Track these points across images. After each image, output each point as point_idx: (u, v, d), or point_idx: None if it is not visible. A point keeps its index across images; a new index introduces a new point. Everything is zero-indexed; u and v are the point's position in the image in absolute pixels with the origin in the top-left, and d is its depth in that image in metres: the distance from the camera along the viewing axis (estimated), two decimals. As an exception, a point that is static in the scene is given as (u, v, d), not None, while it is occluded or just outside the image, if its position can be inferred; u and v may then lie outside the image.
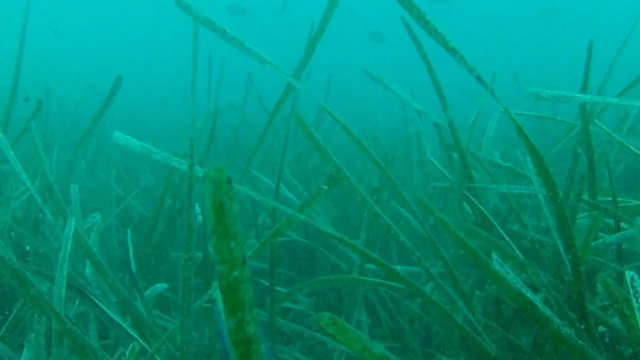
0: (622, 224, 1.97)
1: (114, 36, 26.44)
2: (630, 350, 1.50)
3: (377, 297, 2.28)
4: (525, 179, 2.50)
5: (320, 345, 2.22)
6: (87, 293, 1.66)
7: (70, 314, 1.79)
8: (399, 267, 2.30)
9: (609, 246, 1.88)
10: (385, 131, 6.45)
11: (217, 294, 1.63)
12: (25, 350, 1.56)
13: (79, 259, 2.01)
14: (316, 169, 4.21)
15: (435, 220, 1.62)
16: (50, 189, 2.06)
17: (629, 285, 1.38)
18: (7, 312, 1.80)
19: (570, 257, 1.54)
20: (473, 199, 2.11)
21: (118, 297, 1.81)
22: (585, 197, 2.04)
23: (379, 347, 1.03)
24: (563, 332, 1.40)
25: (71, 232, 1.67)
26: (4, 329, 1.74)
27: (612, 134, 2.17)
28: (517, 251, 1.79)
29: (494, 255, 1.65)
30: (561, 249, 1.61)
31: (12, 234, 2.17)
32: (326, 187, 1.67)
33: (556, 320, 1.42)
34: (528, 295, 1.46)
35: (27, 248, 2.04)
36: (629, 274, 1.41)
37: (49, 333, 1.56)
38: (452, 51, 1.52)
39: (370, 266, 2.28)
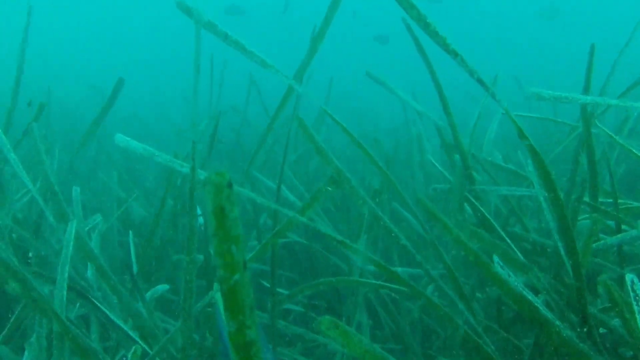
0: (623, 226, 1.97)
1: (114, 36, 26.45)
2: (631, 353, 1.50)
3: (377, 298, 2.28)
4: (527, 180, 2.50)
5: (322, 347, 2.22)
6: (89, 296, 1.66)
7: (72, 316, 1.79)
8: (399, 269, 2.30)
9: (610, 247, 1.88)
10: (387, 131, 6.46)
11: (218, 296, 1.63)
12: (26, 353, 1.56)
13: (80, 260, 2.01)
14: (318, 169, 4.21)
15: (436, 222, 1.62)
16: (52, 190, 2.06)
17: (630, 289, 1.38)
18: (9, 315, 1.80)
19: (571, 261, 1.54)
20: (474, 201, 2.11)
21: (119, 299, 1.81)
22: (586, 199, 2.04)
23: (379, 351, 1.04)
24: (564, 334, 1.40)
25: (72, 234, 1.67)
26: (5, 330, 1.74)
27: (613, 136, 2.17)
28: (518, 253, 1.79)
29: (496, 258, 1.65)
30: (562, 252, 1.61)
31: (14, 235, 2.17)
32: (327, 189, 1.67)
33: (557, 322, 1.42)
34: (529, 297, 1.46)
35: (30, 254, 2.04)
36: (629, 277, 1.41)
37: (50, 335, 1.57)
38: (452, 53, 1.52)
39: (372, 267, 2.28)
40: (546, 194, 1.64)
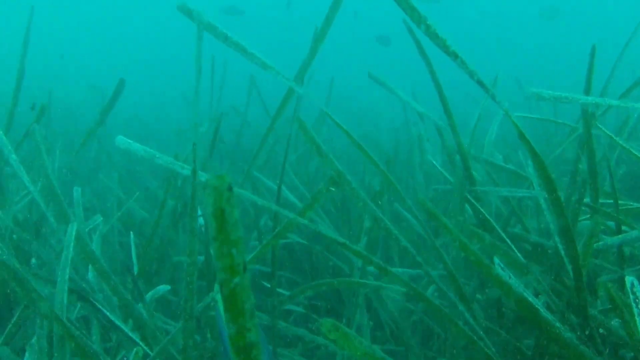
0: (623, 227, 1.96)
1: (115, 36, 26.47)
2: (632, 355, 1.49)
3: (378, 299, 2.28)
4: (528, 180, 2.50)
5: (322, 348, 2.22)
6: (90, 298, 1.66)
7: (72, 317, 1.79)
8: (400, 270, 2.30)
9: (610, 248, 1.87)
10: (387, 131, 6.45)
11: (219, 297, 1.63)
12: (27, 354, 1.56)
13: (81, 261, 2.01)
14: (319, 169, 4.21)
15: (437, 223, 1.62)
16: (52, 191, 2.06)
17: (629, 291, 1.38)
18: (10, 315, 1.80)
19: (572, 264, 1.53)
20: (474, 202, 2.11)
21: (120, 300, 1.81)
22: (586, 199, 2.04)
23: (380, 353, 1.04)
24: (565, 336, 1.40)
25: (73, 236, 1.67)
26: (6, 331, 1.74)
27: (614, 137, 2.17)
28: (519, 254, 1.79)
29: (496, 259, 1.65)
30: (562, 253, 1.62)
31: (14, 236, 2.18)
32: (327, 190, 1.67)
33: (557, 324, 1.42)
34: (530, 299, 1.46)
35: (34, 261, 2.04)
36: (629, 279, 1.41)
37: (51, 336, 1.57)
38: (453, 55, 1.52)
39: (372, 267, 2.28)
40: (546, 195, 1.64)
